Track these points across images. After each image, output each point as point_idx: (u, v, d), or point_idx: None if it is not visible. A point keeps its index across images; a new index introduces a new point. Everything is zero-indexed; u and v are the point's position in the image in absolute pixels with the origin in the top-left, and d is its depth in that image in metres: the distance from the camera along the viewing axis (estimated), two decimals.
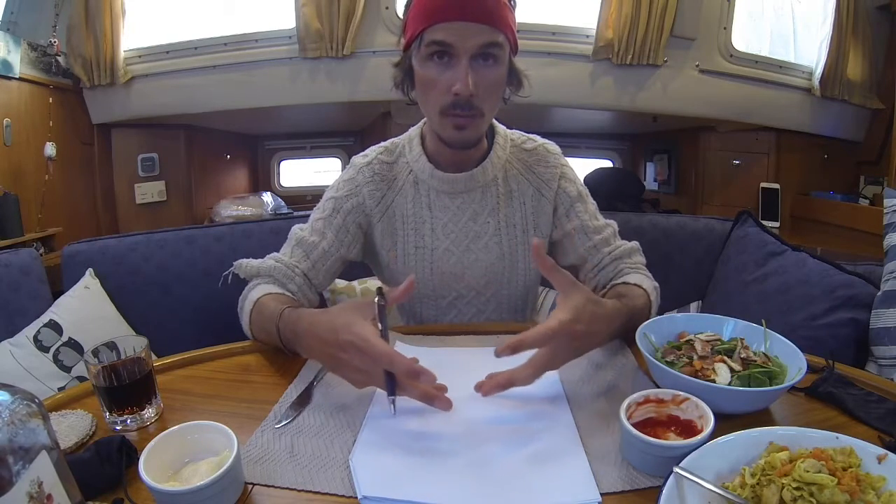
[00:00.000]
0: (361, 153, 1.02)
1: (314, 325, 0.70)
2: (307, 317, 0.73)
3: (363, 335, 0.63)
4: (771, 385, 0.64)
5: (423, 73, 0.87)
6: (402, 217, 0.98)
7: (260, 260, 0.94)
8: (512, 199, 0.99)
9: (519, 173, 1.00)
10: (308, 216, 1.00)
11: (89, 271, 1.37)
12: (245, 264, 0.94)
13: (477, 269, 0.99)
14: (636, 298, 0.86)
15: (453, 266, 0.98)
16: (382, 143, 1.03)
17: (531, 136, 1.03)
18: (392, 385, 0.63)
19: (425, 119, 0.99)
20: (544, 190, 1.00)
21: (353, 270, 1.02)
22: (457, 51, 0.82)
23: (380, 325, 0.66)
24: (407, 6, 0.89)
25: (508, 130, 1.03)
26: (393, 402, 0.63)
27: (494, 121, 1.01)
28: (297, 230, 0.98)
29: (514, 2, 0.89)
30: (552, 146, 1.03)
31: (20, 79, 1.86)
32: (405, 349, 0.83)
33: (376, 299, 0.67)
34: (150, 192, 2.39)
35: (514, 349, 0.63)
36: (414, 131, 1.01)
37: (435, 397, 0.63)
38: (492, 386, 0.64)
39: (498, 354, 0.64)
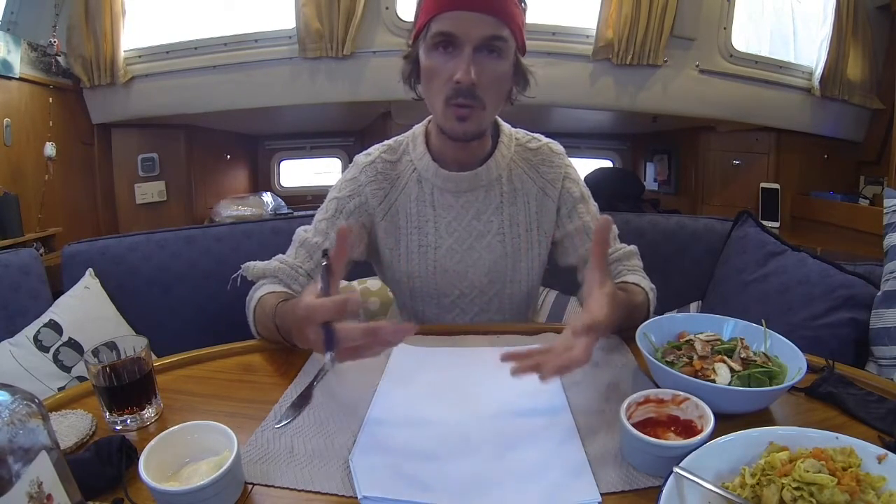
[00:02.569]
0: (364, 152, 1.02)
1: (293, 313, 0.69)
2: (291, 306, 0.73)
3: (305, 305, 0.61)
4: (771, 385, 0.64)
5: (428, 64, 0.87)
6: (405, 215, 0.98)
7: (266, 262, 0.94)
8: (516, 197, 0.99)
9: (523, 172, 1.00)
10: (308, 216, 1.00)
11: (89, 271, 1.37)
12: (252, 267, 0.94)
13: (480, 268, 0.99)
14: (635, 295, 0.87)
15: (456, 264, 0.98)
16: (386, 142, 1.02)
17: (535, 135, 1.03)
18: (330, 340, 0.59)
19: (430, 117, 0.99)
20: (548, 189, 1.00)
21: (353, 270, 1.02)
22: (460, 41, 0.83)
23: (320, 285, 0.63)
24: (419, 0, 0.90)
25: (513, 129, 1.03)
26: (331, 357, 0.58)
27: (499, 119, 1.01)
28: (301, 232, 0.98)
29: (525, 2, 0.89)
30: (556, 146, 1.03)
31: (20, 79, 1.86)
32: (406, 349, 0.83)
33: (323, 260, 0.65)
34: (150, 192, 2.39)
35: (588, 331, 0.63)
36: (418, 129, 1.01)
37: (374, 330, 0.58)
38: (554, 369, 0.62)
39: (575, 335, 0.63)
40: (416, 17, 0.90)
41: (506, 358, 0.66)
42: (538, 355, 0.65)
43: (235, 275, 0.96)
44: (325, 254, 0.67)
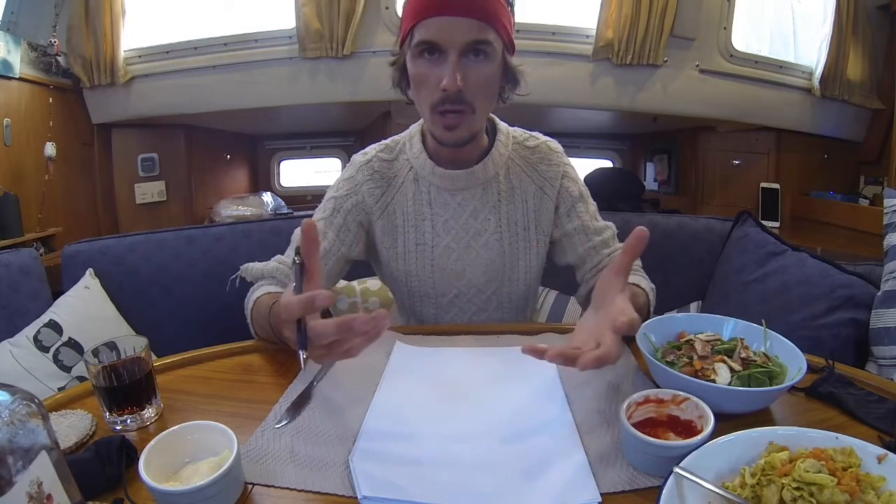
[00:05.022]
0: (361, 151, 1.02)
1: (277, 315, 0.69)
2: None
3: (282, 303, 0.61)
4: (771, 385, 0.64)
5: (414, 71, 0.87)
6: (402, 214, 0.98)
7: (264, 263, 0.95)
8: (514, 196, 0.99)
9: (521, 170, 0.99)
10: (308, 215, 1.00)
11: (89, 271, 1.37)
12: (250, 268, 0.94)
13: (477, 267, 0.99)
14: (638, 297, 0.87)
15: (454, 263, 0.98)
16: (383, 141, 1.02)
17: (533, 133, 1.03)
18: (303, 339, 0.59)
19: None
20: (547, 188, 0.99)
21: (353, 270, 1.03)
22: (444, 47, 0.82)
23: (293, 284, 0.63)
24: (404, 5, 0.89)
25: (510, 128, 1.03)
26: (303, 357, 0.59)
27: (496, 118, 1.01)
28: (298, 231, 0.98)
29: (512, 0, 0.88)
30: (554, 144, 1.03)
31: (20, 79, 1.87)
32: (406, 350, 0.83)
33: (295, 258, 0.64)
34: (150, 192, 2.39)
35: (629, 328, 0.60)
36: (415, 128, 1.01)
37: (349, 324, 0.56)
38: (588, 360, 0.57)
39: (616, 332, 0.60)
40: (401, 21, 0.89)
41: (528, 351, 0.61)
42: (566, 350, 0.61)
43: (234, 276, 0.96)
44: (297, 251, 0.65)
